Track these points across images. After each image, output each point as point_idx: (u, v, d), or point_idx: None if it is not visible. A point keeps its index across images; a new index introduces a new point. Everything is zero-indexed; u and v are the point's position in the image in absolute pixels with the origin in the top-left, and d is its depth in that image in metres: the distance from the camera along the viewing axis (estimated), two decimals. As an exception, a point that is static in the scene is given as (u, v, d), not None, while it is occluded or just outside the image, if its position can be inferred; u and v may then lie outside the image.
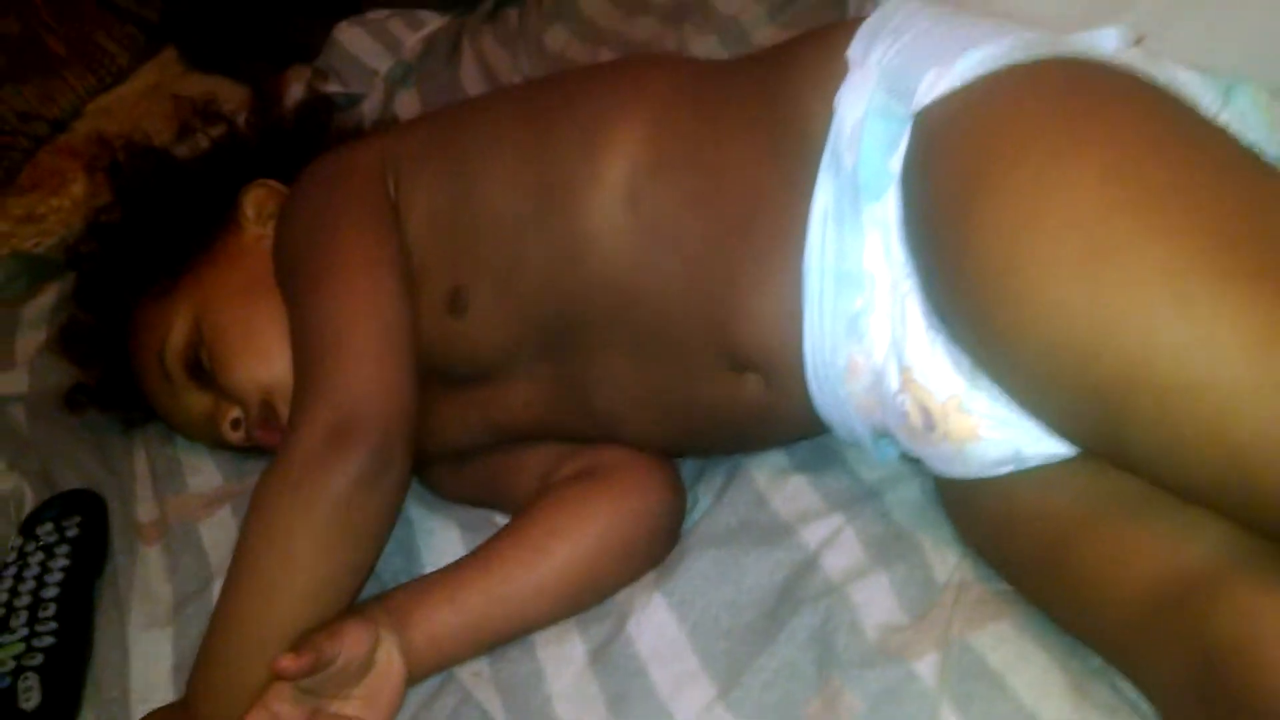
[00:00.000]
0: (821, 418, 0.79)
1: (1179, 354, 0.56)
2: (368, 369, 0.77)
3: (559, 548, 0.80)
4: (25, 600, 0.88)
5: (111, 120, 1.59)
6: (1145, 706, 0.64)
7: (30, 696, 0.80)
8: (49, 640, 0.84)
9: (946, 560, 0.75)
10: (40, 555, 0.91)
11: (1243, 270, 0.56)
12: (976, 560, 0.74)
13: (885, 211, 0.70)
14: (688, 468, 0.89)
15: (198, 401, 0.93)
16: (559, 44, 1.52)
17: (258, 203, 0.95)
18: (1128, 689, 0.65)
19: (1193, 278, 0.56)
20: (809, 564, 0.77)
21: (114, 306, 0.99)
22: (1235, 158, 0.63)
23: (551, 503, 0.83)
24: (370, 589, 0.80)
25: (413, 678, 0.77)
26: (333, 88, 1.51)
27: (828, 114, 0.73)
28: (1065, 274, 0.59)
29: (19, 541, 0.94)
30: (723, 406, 0.80)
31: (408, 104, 1.52)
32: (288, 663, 0.69)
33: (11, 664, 0.82)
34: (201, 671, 0.75)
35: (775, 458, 0.86)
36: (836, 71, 0.73)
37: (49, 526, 0.94)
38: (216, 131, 1.05)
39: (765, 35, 1.31)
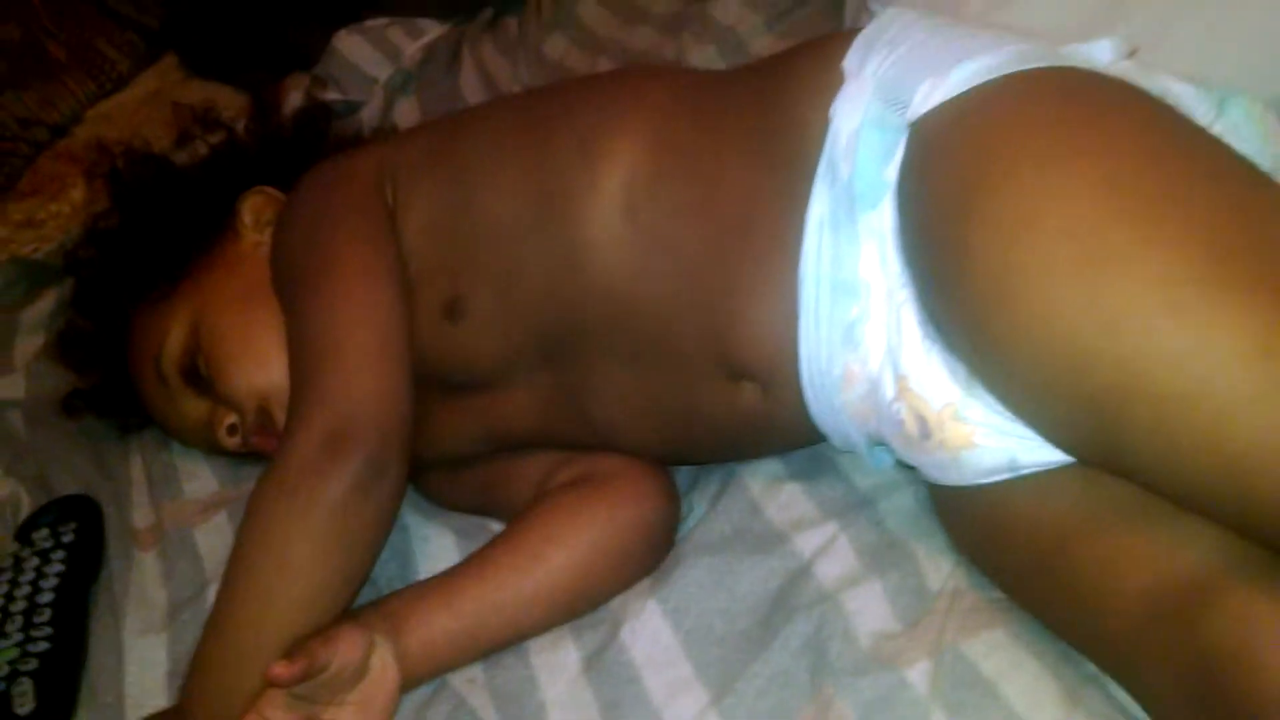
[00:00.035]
0: (817, 426, 0.79)
1: (1175, 363, 0.56)
2: (364, 376, 0.77)
3: (554, 554, 0.80)
4: (20, 605, 0.88)
5: (111, 126, 1.60)
6: (1139, 714, 0.64)
7: (25, 701, 0.80)
8: (44, 645, 0.84)
9: (940, 568, 0.75)
10: (36, 560, 0.91)
11: (1238, 280, 0.56)
12: (970, 568, 0.74)
13: (881, 221, 0.70)
14: (682, 475, 0.89)
15: (194, 407, 0.94)
16: (558, 53, 1.52)
17: (256, 210, 0.96)
18: (1121, 696, 0.65)
19: (1189, 287, 0.56)
20: (802, 572, 0.77)
21: (112, 312, 0.99)
22: (1231, 168, 0.63)
23: (547, 509, 0.83)
24: (366, 595, 0.80)
25: (407, 684, 0.77)
26: (332, 95, 1.51)
27: (824, 124, 0.73)
28: (1061, 280, 0.59)
29: (15, 547, 0.94)
30: (720, 415, 0.80)
31: (407, 112, 1.52)
32: (281, 670, 0.69)
33: (6, 669, 0.82)
34: (196, 677, 0.75)
35: (769, 466, 0.86)
36: (832, 82, 0.74)
37: (45, 532, 0.94)
38: (216, 138, 1.05)
39: (763, 45, 1.31)
